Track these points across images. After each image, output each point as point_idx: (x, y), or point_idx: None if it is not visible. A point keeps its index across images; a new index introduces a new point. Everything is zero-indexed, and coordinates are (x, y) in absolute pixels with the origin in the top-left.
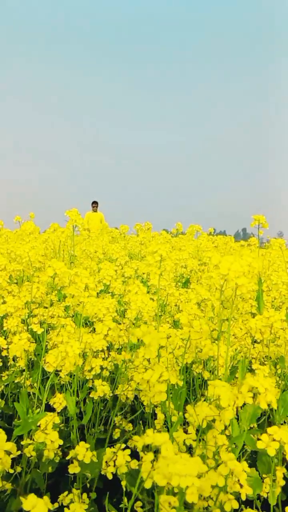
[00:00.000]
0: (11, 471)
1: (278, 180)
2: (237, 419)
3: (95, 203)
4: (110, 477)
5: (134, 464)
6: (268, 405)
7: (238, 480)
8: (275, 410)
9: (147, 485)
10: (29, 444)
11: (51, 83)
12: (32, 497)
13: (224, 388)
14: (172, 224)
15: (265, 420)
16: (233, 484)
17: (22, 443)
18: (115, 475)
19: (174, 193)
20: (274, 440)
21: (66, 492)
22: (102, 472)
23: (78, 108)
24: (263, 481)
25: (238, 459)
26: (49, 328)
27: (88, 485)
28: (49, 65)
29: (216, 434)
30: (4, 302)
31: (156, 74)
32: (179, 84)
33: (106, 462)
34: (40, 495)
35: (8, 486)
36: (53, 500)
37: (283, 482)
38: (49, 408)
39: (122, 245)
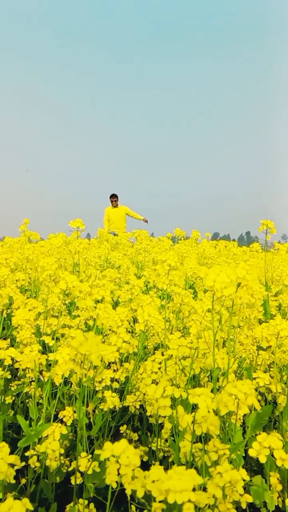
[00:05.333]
0: (13, 481)
1: (282, 184)
2: (244, 426)
3: (114, 197)
4: (114, 486)
5: (138, 472)
6: (273, 411)
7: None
8: (282, 417)
9: (139, 494)
10: (33, 455)
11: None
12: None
13: (202, 396)
14: (173, 229)
15: (272, 427)
16: (232, 493)
17: (26, 454)
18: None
19: (176, 197)
20: (264, 447)
21: (72, 503)
22: (106, 482)
23: (75, 108)
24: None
25: (244, 467)
26: (60, 338)
27: (92, 495)
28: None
29: (218, 443)
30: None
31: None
32: (176, 90)
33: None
34: (48, 505)
35: (10, 496)
36: (61, 510)
37: (280, 487)
38: (60, 419)
39: (123, 253)
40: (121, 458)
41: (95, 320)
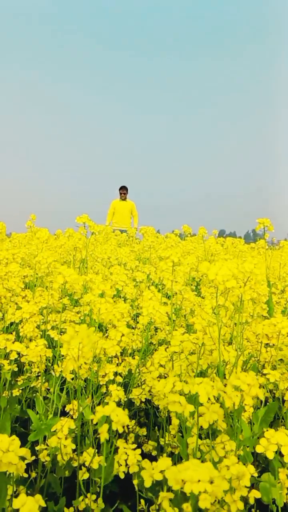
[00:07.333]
0: (25, 475)
1: (282, 184)
2: (251, 423)
3: (123, 189)
4: (122, 476)
5: (145, 463)
6: (280, 408)
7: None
8: None
9: (147, 484)
10: (44, 449)
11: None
12: (22, 496)
13: (202, 384)
14: (180, 227)
15: (279, 424)
16: (238, 486)
17: (36, 448)
18: (130, 479)
19: (176, 197)
20: (272, 443)
21: (81, 497)
22: (114, 472)
23: (75, 109)
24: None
25: (253, 464)
26: (62, 333)
27: (98, 489)
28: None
29: (225, 438)
30: (19, 308)
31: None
32: (181, 89)
33: (118, 461)
34: (56, 499)
35: (22, 490)
36: (69, 504)
37: None
38: (66, 413)
39: (130, 249)
40: (111, 416)
41: (90, 314)
